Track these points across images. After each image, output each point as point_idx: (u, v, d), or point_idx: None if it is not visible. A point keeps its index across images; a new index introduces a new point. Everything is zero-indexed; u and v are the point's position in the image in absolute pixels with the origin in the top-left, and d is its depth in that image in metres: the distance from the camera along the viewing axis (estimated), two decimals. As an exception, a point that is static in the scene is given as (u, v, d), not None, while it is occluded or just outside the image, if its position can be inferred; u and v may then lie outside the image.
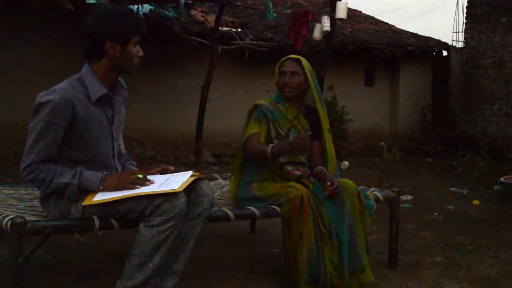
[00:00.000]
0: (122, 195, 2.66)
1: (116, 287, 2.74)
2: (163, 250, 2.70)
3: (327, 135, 3.68)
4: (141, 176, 2.80)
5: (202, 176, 2.97)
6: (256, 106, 3.65)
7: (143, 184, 2.76)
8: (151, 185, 2.76)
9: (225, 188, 4.22)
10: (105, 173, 2.77)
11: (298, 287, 3.22)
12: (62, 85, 2.75)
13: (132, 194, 2.66)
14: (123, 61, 2.81)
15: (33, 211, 3.07)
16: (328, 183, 3.35)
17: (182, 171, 3.04)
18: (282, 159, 3.57)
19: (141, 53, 2.87)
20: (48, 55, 9.57)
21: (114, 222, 2.78)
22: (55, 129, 2.66)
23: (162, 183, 2.76)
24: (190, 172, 2.92)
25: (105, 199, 2.66)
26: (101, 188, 2.73)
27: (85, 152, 2.78)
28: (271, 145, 3.47)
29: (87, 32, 2.76)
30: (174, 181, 2.77)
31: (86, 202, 2.69)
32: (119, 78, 2.95)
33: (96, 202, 2.68)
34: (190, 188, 2.84)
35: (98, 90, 2.78)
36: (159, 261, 2.71)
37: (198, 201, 2.88)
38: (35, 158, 2.67)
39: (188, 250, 2.91)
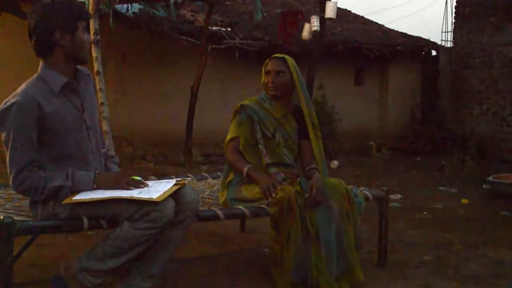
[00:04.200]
0: (102, 197, 2.65)
1: (79, 259, 2.74)
2: (140, 248, 2.72)
3: (312, 134, 3.68)
4: (138, 178, 2.81)
5: (187, 183, 2.95)
6: (241, 106, 3.66)
7: (138, 187, 2.77)
8: (131, 191, 2.75)
9: (215, 188, 4.22)
10: (96, 171, 2.77)
11: (279, 287, 3.23)
12: (22, 86, 2.75)
13: (111, 197, 2.66)
14: (75, 49, 2.80)
15: (21, 211, 3.05)
16: (307, 195, 3.31)
17: (172, 171, 3.04)
18: (267, 160, 3.57)
19: (90, 39, 2.89)
20: (34, 55, 9.52)
21: (103, 222, 2.77)
22: (27, 130, 2.65)
23: (142, 191, 2.75)
24: (174, 180, 2.92)
25: (85, 199, 2.66)
26: (94, 186, 2.73)
27: (61, 146, 2.76)
28: (249, 166, 3.50)
29: (33, 30, 2.75)
30: (156, 190, 2.77)
31: (67, 200, 2.68)
32: (79, 66, 2.94)
33: (75, 201, 2.67)
34: (175, 195, 2.82)
35: (58, 81, 2.77)
36: (133, 256, 2.74)
37: (181, 208, 2.86)
38: (20, 164, 2.65)
39: (168, 255, 2.90)
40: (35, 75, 2.81)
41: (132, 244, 2.68)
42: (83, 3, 2.58)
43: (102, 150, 3.06)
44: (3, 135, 2.68)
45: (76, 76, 2.91)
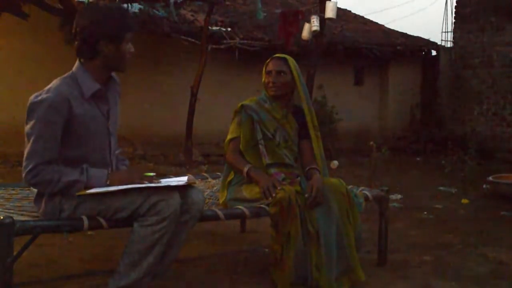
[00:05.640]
0: (116, 188, 2.65)
1: (108, 285, 2.73)
2: (157, 249, 2.71)
3: (313, 134, 3.68)
4: (151, 174, 2.82)
5: (196, 183, 2.96)
6: (242, 107, 3.66)
7: (151, 182, 2.78)
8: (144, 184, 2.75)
9: (215, 188, 4.22)
10: (109, 168, 2.78)
11: (279, 287, 3.23)
12: (56, 83, 2.73)
13: (125, 187, 2.66)
14: (116, 59, 2.80)
15: (21, 211, 3.05)
16: (306, 195, 3.32)
17: (171, 171, 3.06)
18: (267, 160, 3.57)
19: (132, 50, 2.85)
20: (33, 55, 9.55)
21: (103, 222, 2.76)
22: (53, 128, 2.64)
23: (156, 186, 2.76)
24: (186, 179, 2.93)
25: (100, 191, 2.66)
26: (107, 183, 2.73)
27: (81, 149, 2.76)
28: (249, 166, 3.48)
29: (79, 32, 2.73)
30: (175, 181, 2.81)
31: (81, 192, 2.68)
32: (113, 73, 2.94)
33: (90, 193, 2.67)
34: (181, 195, 2.83)
35: (91, 86, 2.76)
36: (153, 260, 2.72)
37: (187, 208, 2.87)
38: (39, 160, 2.63)
39: (171, 255, 2.91)
40: (69, 73, 2.79)
41: (147, 246, 2.67)
42: (132, 15, 2.58)
43: (117, 152, 3.07)
44: (28, 127, 2.65)
45: (108, 83, 2.90)
